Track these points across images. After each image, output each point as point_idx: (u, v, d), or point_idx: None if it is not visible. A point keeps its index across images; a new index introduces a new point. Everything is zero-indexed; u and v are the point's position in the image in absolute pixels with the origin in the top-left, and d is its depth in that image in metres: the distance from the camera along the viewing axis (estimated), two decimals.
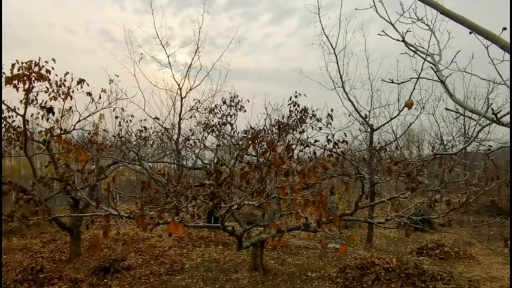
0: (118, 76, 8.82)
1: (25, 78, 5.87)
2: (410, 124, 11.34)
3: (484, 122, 3.13)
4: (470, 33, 2.37)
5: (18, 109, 6.49)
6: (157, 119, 9.10)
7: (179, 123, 10.66)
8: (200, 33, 11.33)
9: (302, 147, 7.37)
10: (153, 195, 3.72)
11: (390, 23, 3.24)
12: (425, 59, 3.16)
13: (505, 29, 2.38)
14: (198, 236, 10.64)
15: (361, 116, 10.37)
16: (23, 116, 6.37)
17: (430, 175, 6.14)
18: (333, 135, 6.18)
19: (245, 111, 8.88)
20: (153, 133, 8.64)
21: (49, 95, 6.68)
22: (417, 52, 3.19)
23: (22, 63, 5.85)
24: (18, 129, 7.07)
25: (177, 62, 16.83)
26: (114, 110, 8.45)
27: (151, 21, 10.61)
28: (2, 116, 6.50)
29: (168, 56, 11.28)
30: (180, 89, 11.05)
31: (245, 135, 8.33)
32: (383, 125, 10.55)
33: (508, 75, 2.56)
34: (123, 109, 8.73)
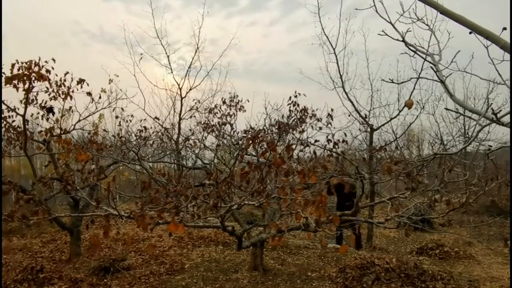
0: (118, 76, 8.86)
1: (25, 78, 5.86)
2: (410, 124, 11.34)
3: (484, 122, 3.14)
4: (470, 33, 2.37)
5: (18, 109, 6.49)
6: (157, 118, 9.12)
7: (179, 123, 10.70)
8: (200, 33, 11.41)
9: (302, 147, 7.37)
10: (153, 195, 3.71)
11: (390, 23, 3.24)
12: (425, 59, 3.17)
13: (505, 29, 2.39)
14: (198, 236, 10.63)
15: (361, 116, 10.36)
16: (23, 116, 6.36)
17: (430, 175, 6.13)
18: (333, 135, 6.19)
19: (245, 111, 8.89)
20: (153, 133, 8.65)
21: (49, 95, 6.68)
22: (417, 52, 3.19)
23: (22, 63, 5.85)
24: (18, 129, 7.07)
25: (160, 55, 16.65)
26: (114, 110, 8.48)
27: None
28: (2, 116, 6.51)
29: (168, 56, 11.35)
30: (180, 89, 11.10)
31: (245, 135, 8.32)
32: (383, 125, 10.55)
33: (508, 75, 2.57)
34: (123, 109, 8.75)
